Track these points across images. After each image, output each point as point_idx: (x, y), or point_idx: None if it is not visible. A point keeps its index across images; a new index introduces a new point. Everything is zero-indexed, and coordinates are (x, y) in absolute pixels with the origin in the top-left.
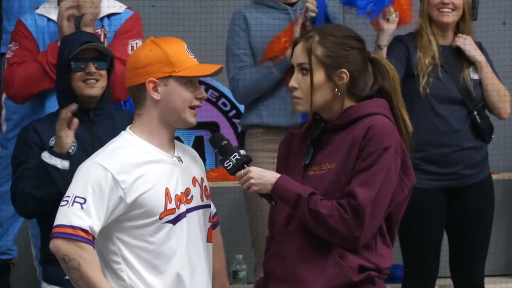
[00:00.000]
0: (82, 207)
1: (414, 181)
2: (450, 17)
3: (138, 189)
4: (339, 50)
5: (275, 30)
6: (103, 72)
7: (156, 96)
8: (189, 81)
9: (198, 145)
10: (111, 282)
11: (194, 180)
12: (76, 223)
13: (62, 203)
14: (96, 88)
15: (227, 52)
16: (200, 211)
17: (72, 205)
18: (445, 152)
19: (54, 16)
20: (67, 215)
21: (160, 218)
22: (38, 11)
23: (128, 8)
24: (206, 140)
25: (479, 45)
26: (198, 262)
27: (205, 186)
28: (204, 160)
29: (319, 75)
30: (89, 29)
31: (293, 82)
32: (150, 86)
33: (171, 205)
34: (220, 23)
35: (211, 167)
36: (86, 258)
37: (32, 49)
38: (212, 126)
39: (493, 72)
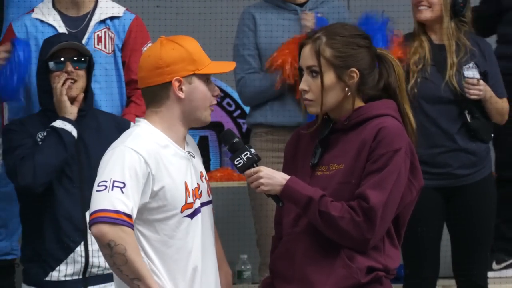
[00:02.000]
0: (123, 192)
1: (422, 182)
2: (424, 14)
3: (162, 179)
4: (348, 49)
5: (283, 30)
6: (82, 72)
7: (181, 94)
8: (207, 79)
9: (202, 145)
10: None
11: (201, 176)
12: (120, 207)
13: (99, 188)
14: (74, 89)
15: (234, 51)
16: (210, 206)
17: (112, 189)
18: (434, 153)
19: (48, 18)
20: (110, 199)
21: (181, 212)
22: (33, 15)
23: (127, 9)
24: (210, 140)
25: (485, 44)
26: (209, 256)
27: (207, 180)
28: (208, 160)
29: (329, 76)
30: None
31: (303, 85)
32: (176, 84)
33: (190, 199)
34: (224, 23)
35: (216, 167)
36: (131, 243)
37: None
38: (217, 126)
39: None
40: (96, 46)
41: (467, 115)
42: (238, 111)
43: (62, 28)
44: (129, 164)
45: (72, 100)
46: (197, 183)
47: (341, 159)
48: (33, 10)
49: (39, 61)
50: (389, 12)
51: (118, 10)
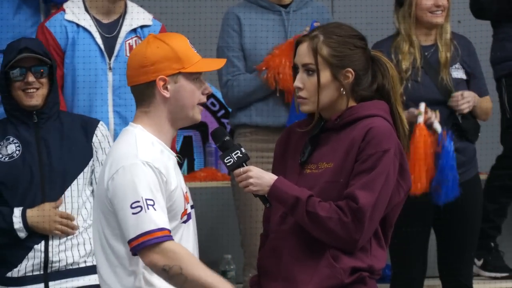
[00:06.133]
0: (155, 208)
1: (411, 184)
2: (441, 18)
3: (171, 188)
4: (345, 49)
5: (268, 31)
6: (43, 80)
7: (166, 94)
8: (196, 77)
9: (187, 145)
10: (124, 279)
11: (184, 179)
12: (161, 224)
13: (135, 209)
14: (35, 98)
15: (218, 52)
16: (193, 209)
17: (148, 208)
18: None
19: (83, 22)
20: (151, 219)
21: (180, 219)
22: (66, 16)
23: (154, 18)
24: (195, 140)
25: (469, 43)
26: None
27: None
28: (193, 160)
29: (325, 75)
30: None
31: (298, 83)
32: (160, 83)
33: (186, 205)
34: (208, 23)
35: (200, 167)
36: (183, 257)
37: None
38: (201, 126)
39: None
40: (128, 55)
41: (458, 116)
42: (222, 111)
43: (97, 34)
44: (150, 178)
45: (34, 108)
46: (185, 186)
47: (330, 158)
48: (63, 10)
49: (2, 67)
50: (373, 12)
51: (147, 18)
